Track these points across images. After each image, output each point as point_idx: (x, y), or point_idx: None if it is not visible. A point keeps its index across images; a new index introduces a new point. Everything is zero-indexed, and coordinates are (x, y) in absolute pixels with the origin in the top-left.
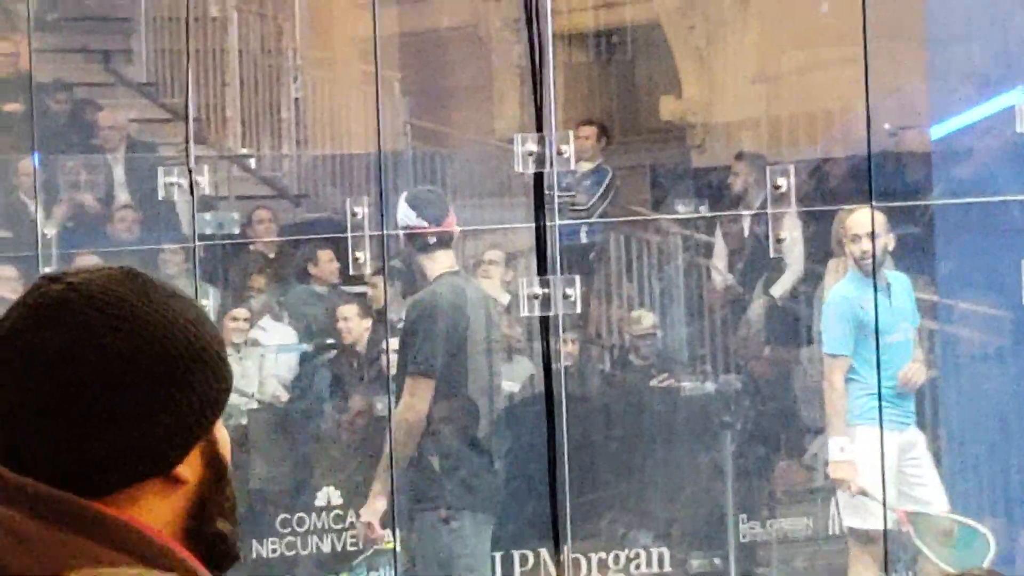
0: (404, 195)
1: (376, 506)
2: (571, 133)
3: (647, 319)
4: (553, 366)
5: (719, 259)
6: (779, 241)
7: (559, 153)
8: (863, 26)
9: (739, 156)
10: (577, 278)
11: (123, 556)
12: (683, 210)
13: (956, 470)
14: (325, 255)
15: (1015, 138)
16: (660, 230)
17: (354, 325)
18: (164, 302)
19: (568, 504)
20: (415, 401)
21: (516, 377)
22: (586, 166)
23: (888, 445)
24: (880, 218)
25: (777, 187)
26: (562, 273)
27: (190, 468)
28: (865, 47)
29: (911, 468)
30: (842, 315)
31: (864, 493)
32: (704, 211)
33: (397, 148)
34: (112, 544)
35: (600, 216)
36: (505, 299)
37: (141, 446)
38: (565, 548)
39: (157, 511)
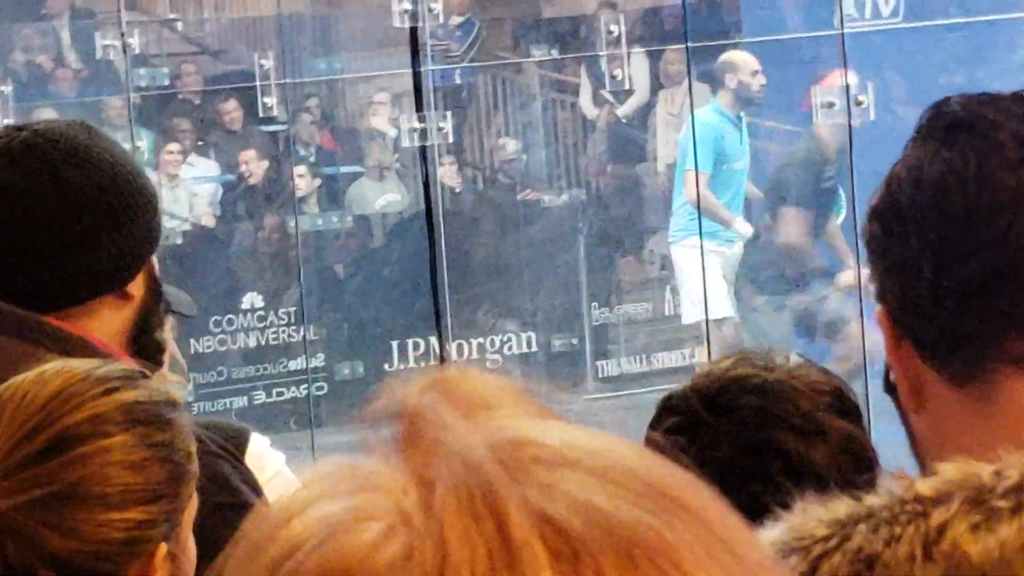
0: None
1: None
2: None
3: (511, 145)
4: (431, 187)
5: (585, 95)
6: (613, 78)
7: (430, 10)
8: None
9: (607, 4)
10: (448, 113)
11: None
12: (538, 54)
13: None
14: (230, 104)
15: None
16: (521, 71)
17: (254, 167)
18: (111, 148)
19: (448, 300)
20: None
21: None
22: (457, 19)
23: (717, 257)
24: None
25: (611, 32)
26: (439, 110)
27: (136, 286)
28: None
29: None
30: (705, 139)
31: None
32: (556, 54)
33: (298, 10)
34: (61, 351)
35: (470, 61)
36: (393, 133)
37: (99, 266)
38: (447, 337)
39: (110, 323)
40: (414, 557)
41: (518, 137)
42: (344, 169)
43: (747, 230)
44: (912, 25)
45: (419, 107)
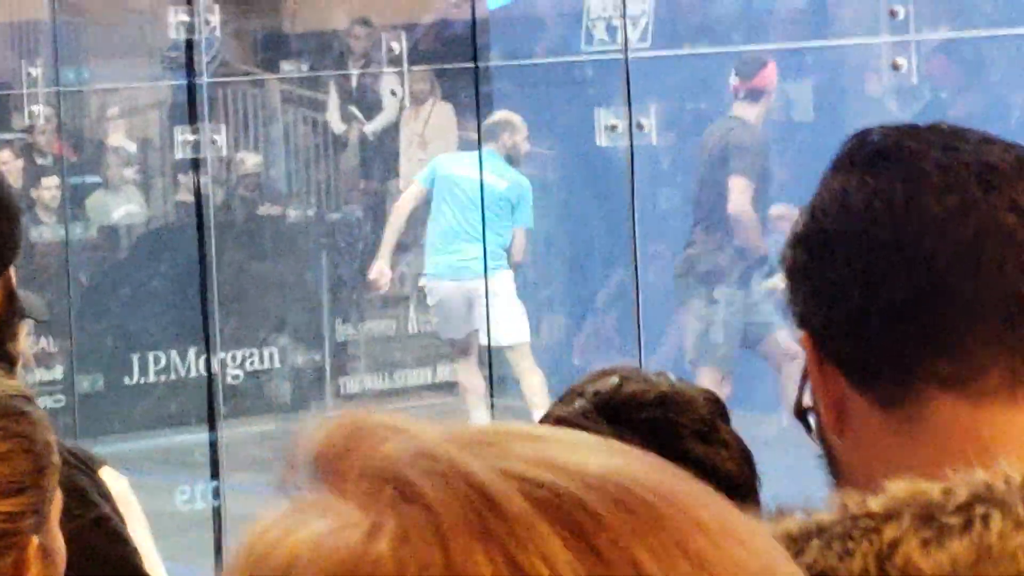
0: None
1: None
2: (217, 6)
3: (251, 159)
4: (203, 200)
5: (333, 111)
6: (393, 94)
7: (207, 22)
8: None
9: (359, 21)
10: (223, 126)
11: None
12: (288, 68)
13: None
14: None
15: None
16: (262, 85)
17: (11, 167)
18: None
19: (216, 312)
20: None
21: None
22: None
23: (458, 292)
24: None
25: (391, 50)
26: (209, 122)
27: None
28: None
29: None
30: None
31: None
32: (304, 69)
33: (41, 18)
34: None
35: (212, 75)
36: (132, 147)
37: None
38: (214, 350)
39: None
40: (410, 537)
41: (259, 151)
42: (89, 179)
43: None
44: (660, 53)
45: (192, 119)
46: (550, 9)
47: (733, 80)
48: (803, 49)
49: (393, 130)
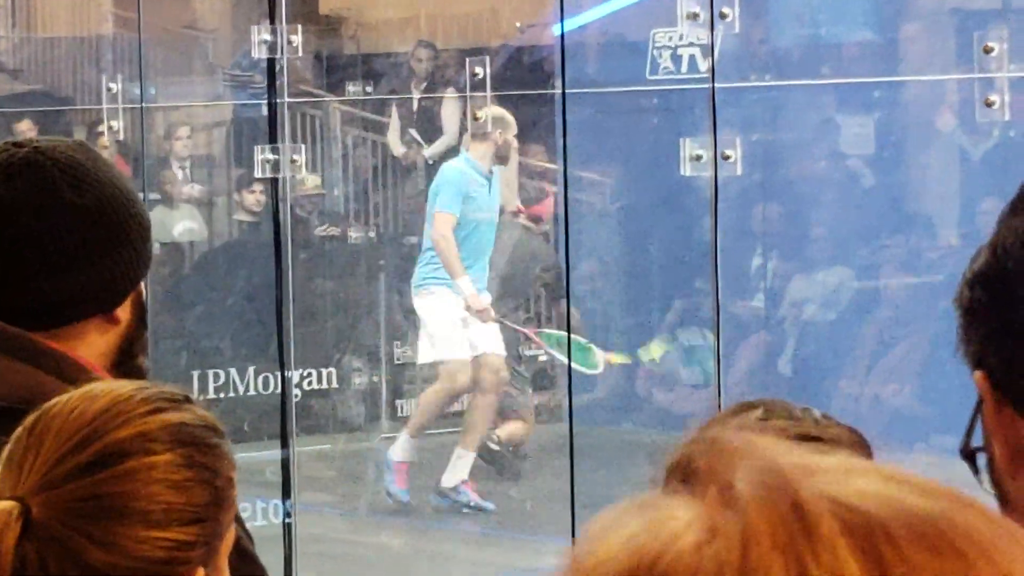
0: None
1: None
2: (299, 26)
3: (311, 180)
4: (281, 219)
5: (393, 132)
6: (476, 119)
7: (289, 42)
8: None
9: (423, 44)
10: (303, 147)
11: (65, 385)
12: (353, 90)
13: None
14: (24, 125)
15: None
16: (322, 107)
17: None
18: (109, 171)
19: (292, 331)
20: None
21: None
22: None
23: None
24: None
25: (475, 74)
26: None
27: (124, 310)
28: None
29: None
30: (455, 184)
31: (498, 320)
32: (369, 91)
33: (102, 32)
34: (59, 375)
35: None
36: (188, 164)
37: (90, 288)
38: (288, 366)
39: (95, 345)
40: (717, 536)
41: (318, 172)
42: (150, 196)
43: (469, 290)
44: (723, 86)
45: (272, 139)
46: (615, 37)
47: None
48: (871, 84)
49: (452, 154)
